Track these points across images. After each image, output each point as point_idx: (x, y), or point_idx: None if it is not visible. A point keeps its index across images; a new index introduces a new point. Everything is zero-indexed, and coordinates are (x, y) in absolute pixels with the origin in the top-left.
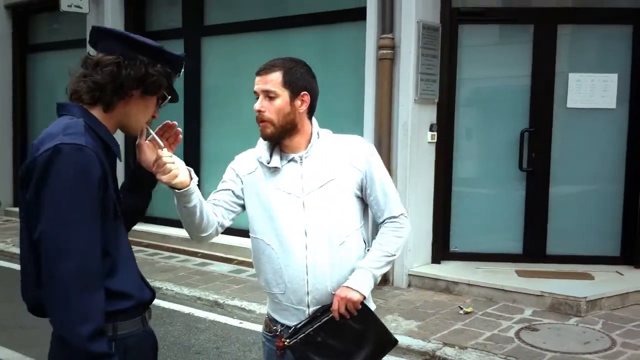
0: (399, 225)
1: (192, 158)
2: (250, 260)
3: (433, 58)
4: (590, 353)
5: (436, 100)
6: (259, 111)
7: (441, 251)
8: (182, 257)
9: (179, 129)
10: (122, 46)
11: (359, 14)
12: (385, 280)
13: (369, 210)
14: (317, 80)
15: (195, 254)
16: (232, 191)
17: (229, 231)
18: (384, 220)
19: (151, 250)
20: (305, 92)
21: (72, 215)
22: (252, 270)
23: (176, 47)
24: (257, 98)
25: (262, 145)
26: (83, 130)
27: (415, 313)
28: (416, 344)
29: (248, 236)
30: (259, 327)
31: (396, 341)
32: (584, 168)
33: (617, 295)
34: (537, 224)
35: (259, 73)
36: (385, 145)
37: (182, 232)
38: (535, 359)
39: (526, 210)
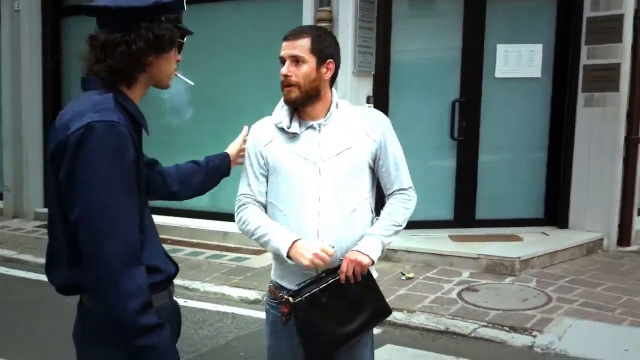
0: (407, 198)
1: None
2: (184, 239)
3: (369, 30)
4: (529, 309)
5: (372, 73)
6: (286, 75)
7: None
8: None
9: None
10: (122, 20)
11: None
12: None
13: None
14: (255, 54)
15: None
16: (263, 174)
17: (161, 211)
18: (393, 192)
19: None
20: (331, 60)
21: (111, 194)
22: (189, 249)
23: None
24: (283, 63)
25: (281, 111)
26: (113, 106)
27: None
28: None
29: (180, 215)
30: (204, 305)
31: (391, 311)
32: (511, 136)
33: (546, 254)
34: (467, 190)
35: (286, 38)
36: None
37: None
38: (480, 317)
39: (457, 178)
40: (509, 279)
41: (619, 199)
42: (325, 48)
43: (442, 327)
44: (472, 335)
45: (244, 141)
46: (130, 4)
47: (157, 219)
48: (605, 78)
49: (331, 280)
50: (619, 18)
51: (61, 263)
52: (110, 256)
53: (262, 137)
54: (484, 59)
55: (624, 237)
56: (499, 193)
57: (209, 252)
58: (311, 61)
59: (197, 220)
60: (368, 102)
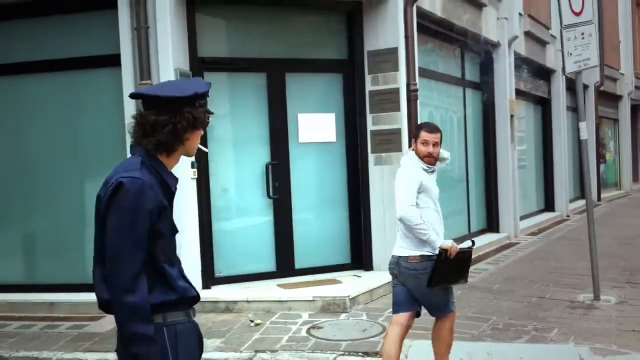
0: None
1: None
2: (6, 313)
3: None
4: (371, 337)
5: None
6: (432, 153)
7: (209, 277)
8: None
9: None
10: (169, 105)
11: (112, 61)
12: None
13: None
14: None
15: None
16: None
17: None
18: None
19: None
20: None
21: (126, 231)
22: (16, 323)
23: None
24: (425, 144)
25: (420, 164)
26: (139, 166)
27: (211, 332)
28: (231, 356)
29: None
30: None
31: (467, 280)
32: (317, 193)
33: (367, 292)
34: (285, 243)
35: (432, 131)
36: None
37: None
38: (335, 348)
39: (275, 233)
40: (343, 315)
41: None
42: None
43: None
44: None
45: None
46: (177, 94)
47: None
48: (390, 141)
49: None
50: (396, 91)
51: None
52: (117, 274)
53: (421, 174)
54: (288, 126)
55: None
56: (312, 244)
57: (41, 324)
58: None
59: (15, 295)
60: (192, 167)
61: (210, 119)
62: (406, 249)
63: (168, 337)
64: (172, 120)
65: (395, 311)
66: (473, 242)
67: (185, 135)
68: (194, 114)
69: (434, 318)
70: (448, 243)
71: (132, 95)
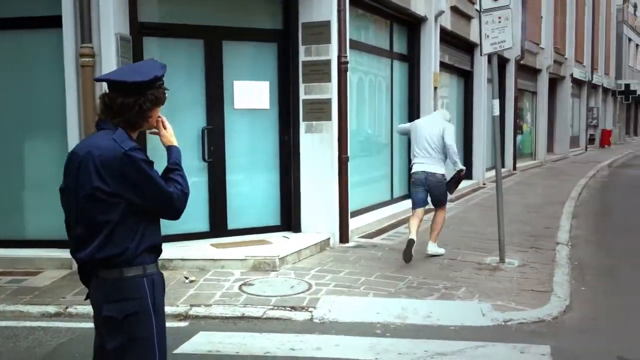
0: None
1: None
2: None
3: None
4: (299, 293)
5: None
6: None
7: None
8: None
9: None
10: (134, 89)
11: (52, 22)
12: None
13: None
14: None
15: None
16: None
17: None
18: None
19: None
20: None
21: (158, 180)
22: None
23: None
24: None
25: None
26: (127, 137)
27: None
28: (168, 309)
29: None
30: (6, 323)
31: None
32: (250, 158)
33: (294, 252)
34: (218, 205)
35: None
36: None
37: None
38: (265, 303)
39: (209, 195)
40: (272, 274)
41: (337, 206)
42: None
43: (238, 314)
44: (264, 316)
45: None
46: (140, 78)
47: None
48: (320, 110)
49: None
50: (327, 62)
51: (87, 246)
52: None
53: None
54: (224, 93)
55: (343, 235)
56: (244, 206)
57: None
58: None
59: None
60: None
61: (166, 94)
62: (438, 168)
63: (147, 285)
64: (138, 102)
65: (414, 208)
66: (464, 168)
67: (149, 113)
68: (156, 94)
69: None
70: (462, 166)
71: (96, 79)
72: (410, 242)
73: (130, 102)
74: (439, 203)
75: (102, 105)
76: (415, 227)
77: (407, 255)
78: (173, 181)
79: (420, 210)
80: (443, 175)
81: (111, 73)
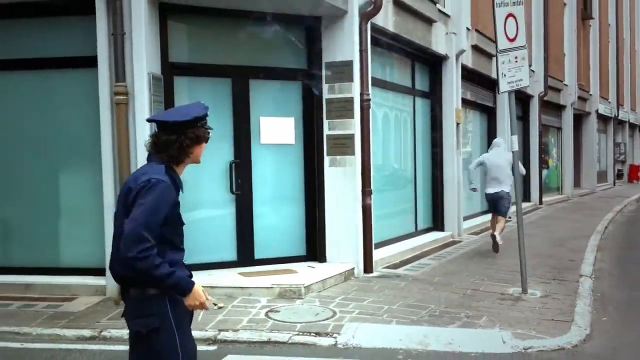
0: None
1: None
2: None
3: (160, 104)
4: (323, 320)
5: None
6: None
7: None
8: None
9: None
10: (175, 128)
11: (89, 62)
12: None
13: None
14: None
15: None
16: None
17: None
18: None
19: None
20: None
21: (150, 211)
22: None
23: None
24: None
25: None
26: (164, 171)
27: None
28: (197, 334)
29: None
30: (44, 345)
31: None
32: (276, 190)
33: (319, 281)
34: (246, 235)
35: None
36: None
37: None
38: (290, 329)
39: (237, 225)
40: (298, 301)
41: (361, 237)
42: None
43: (265, 339)
44: (290, 341)
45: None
46: (180, 119)
47: None
48: (344, 144)
49: None
50: (350, 100)
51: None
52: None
53: None
54: (250, 128)
55: (368, 265)
56: (270, 237)
57: (18, 303)
58: None
59: None
60: None
61: (210, 133)
62: (507, 187)
63: (169, 303)
64: (179, 140)
65: (492, 213)
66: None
67: (190, 150)
68: (197, 132)
69: None
70: None
71: (148, 120)
72: (492, 237)
73: (172, 140)
74: (502, 212)
75: (150, 141)
76: (493, 226)
77: (495, 247)
78: (163, 264)
79: (495, 217)
80: (509, 191)
81: (158, 114)
